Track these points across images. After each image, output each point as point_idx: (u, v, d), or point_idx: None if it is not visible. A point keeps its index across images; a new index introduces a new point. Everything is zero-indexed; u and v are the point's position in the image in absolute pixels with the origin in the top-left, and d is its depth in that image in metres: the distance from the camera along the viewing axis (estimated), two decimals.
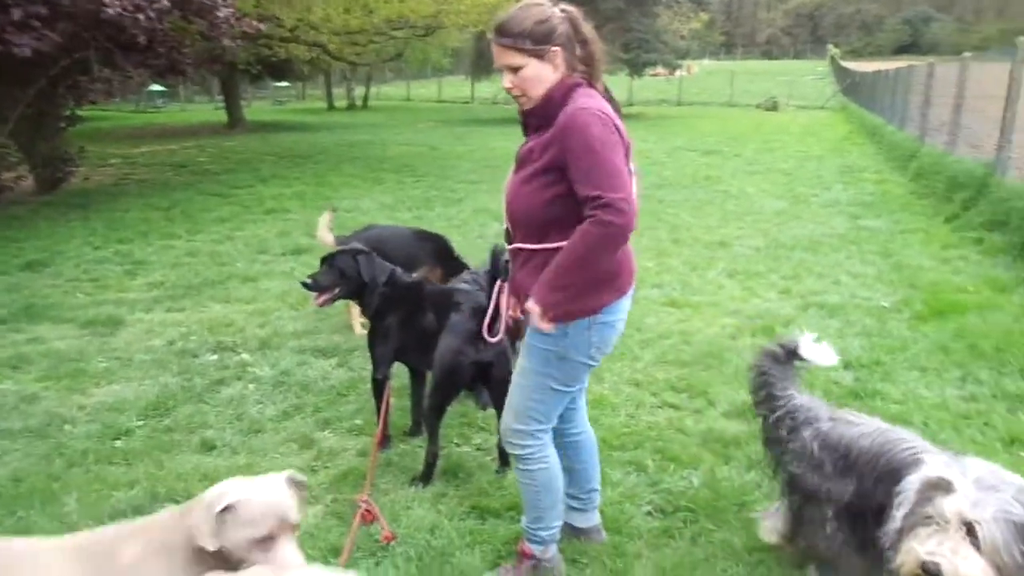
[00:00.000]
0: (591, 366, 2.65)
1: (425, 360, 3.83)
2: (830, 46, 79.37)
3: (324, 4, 14.83)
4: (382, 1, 15.50)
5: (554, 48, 2.42)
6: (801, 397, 2.83)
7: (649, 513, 3.28)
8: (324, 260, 3.99)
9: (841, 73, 43.77)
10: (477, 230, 8.96)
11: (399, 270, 3.98)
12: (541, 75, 2.44)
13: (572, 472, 2.93)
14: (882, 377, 4.55)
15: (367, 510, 2.96)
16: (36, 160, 11.95)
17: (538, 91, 2.46)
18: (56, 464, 3.76)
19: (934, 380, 4.48)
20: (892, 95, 19.90)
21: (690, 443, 3.85)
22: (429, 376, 3.72)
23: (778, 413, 2.80)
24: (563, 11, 2.47)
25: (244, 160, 16.60)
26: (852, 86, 34.39)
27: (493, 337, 2.96)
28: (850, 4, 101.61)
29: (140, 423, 4.27)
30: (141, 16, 8.99)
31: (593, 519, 3.06)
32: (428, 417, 3.61)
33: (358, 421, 4.24)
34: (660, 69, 32.58)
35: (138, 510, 3.37)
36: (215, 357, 5.27)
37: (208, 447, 3.99)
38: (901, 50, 78.68)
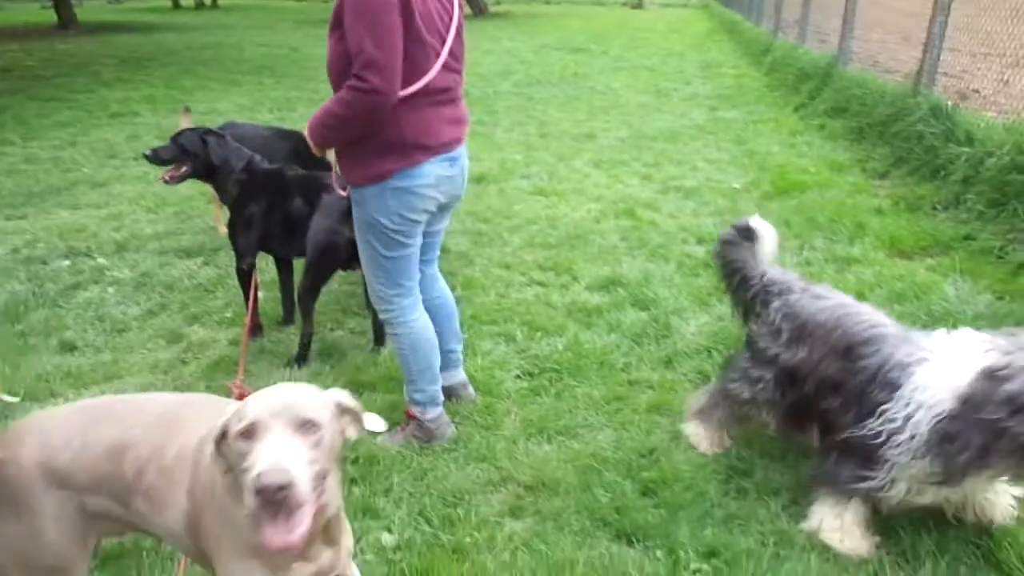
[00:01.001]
0: (403, 231, 2.72)
1: (292, 248, 3.82)
2: None
3: None
4: None
5: None
6: (774, 271, 2.83)
7: (518, 376, 3.47)
8: (172, 138, 3.90)
9: None
10: None
11: (257, 157, 3.89)
12: None
13: (436, 334, 3.05)
14: None
15: (240, 394, 2.99)
16: None
17: None
18: None
19: (777, 250, 4.85)
20: None
21: (556, 315, 4.06)
22: (302, 260, 3.72)
23: (753, 291, 2.80)
24: None
25: (81, 64, 15.25)
26: None
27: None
28: None
29: None
30: None
31: (456, 376, 3.24)
32: (302, 298, 3.63)
33: (227, 314, 4.20)
34: None
35: None
36: (67, 263, 5.01)
37: (69, 347, 3.86)
38: None
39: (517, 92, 11.46)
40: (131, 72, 13.92)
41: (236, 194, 3.81)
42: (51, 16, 26.57)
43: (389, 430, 3.03)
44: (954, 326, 3.58)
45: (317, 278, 3.60)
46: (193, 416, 1.81)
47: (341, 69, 2.48)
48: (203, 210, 5.96)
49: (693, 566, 2.31)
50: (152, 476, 1.74)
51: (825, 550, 2.35)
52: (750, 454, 2.82)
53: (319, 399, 1.59)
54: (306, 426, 1.50)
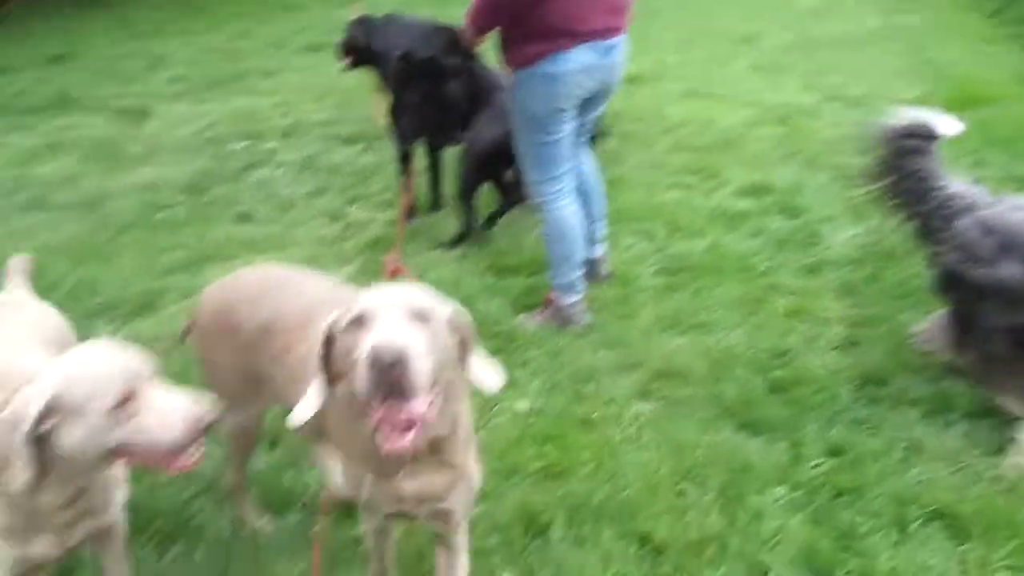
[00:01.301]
0: (550, 117, 2.82)
1: (445, 137, 3.98)
2: None
3: None
4: None
5: None
6: (956, 184, 2.53)
7: (655, 273, 3.53)
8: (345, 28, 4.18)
9: None
10: None
11: (418, 46, 4.02)
12: None
13: None
14: None
15: (395, 268, 3.22)
16: None
17: None
18: (108, 231, 4.07)
19: (946, 164, 4.55)
20: None
21: (699, 217, 4.04)
22: (462, 152, 3.87)
23: (932, 205, 2.49)
24: None
25: None
26: None
27: None
28: None
29: (180, 199, 4.52)
30: None
31: (598, 250, 3.38)
32: (462, 195, 3.79)
33: (384, 197, 4.46)
34: None
35: (186, 268, 3.71)
36: (243, 144, 5.43)
37: (245, 220, 4.26)
38: None
39: None
40: None
41: (395, 81, 3.99)
42: None
43: (528, 313, 3.21)
44: None
45: (478, 178, 3.75)
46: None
47: None
48: (364, 100, 6.23)
49: (815, 461, 2.35)
50: (293, 358, 1.73)
51: (957, 462, 2.33)
52: (889, 364, 2.78)
53: (435, 300, 1.46)
54: (420, 316, 1.37)
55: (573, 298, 3.09)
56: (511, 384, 2.72)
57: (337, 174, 4.86)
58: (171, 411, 1.42)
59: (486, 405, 2.56)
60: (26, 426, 1.35)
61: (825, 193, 4.24)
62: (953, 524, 2.11)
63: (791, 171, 4.55)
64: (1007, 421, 2.42)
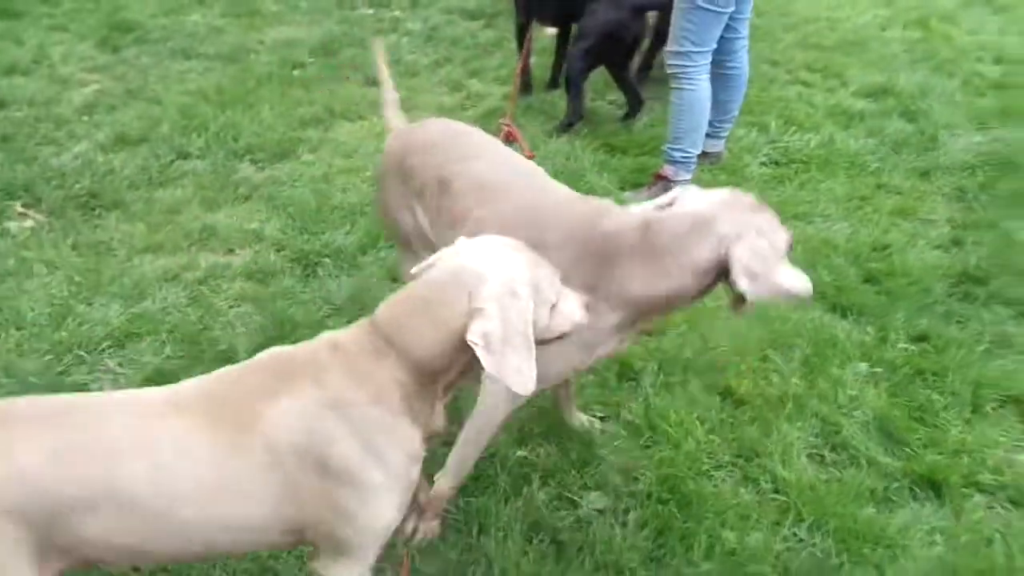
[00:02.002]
0: None
1: (558, 17, 4.03)
2: None
3: None
4: None
5: None
6: None
7: (764, 164, 3.60)
8: None
9: None
10: None
11: None
12: None
13: (716, 103, 3.25)
14: None
15: (509, 131, 3.38)
16: None
17: None
18: (248, 82, 4.35)
19: None
20: None
21: (815, 113, 4.03)
22: (574, 32, 3.96)
23: None
24: None
25: None
26: None
27: None
28: None
29: (312, 59, 4.77)
30: None
31: (719, 146, 3.50)
32: (571, 79, 3.89)
33: (503, 72, 4.59)
34: None
35: (319, 123, 3.99)
36: (372, 11, 5.60)
37: (371, 82, 4.46)
38: None
39: None
40: None
41: None
42: None
43: (635, 190, 3.36)
44: None
45: (589, 64, 3.83)
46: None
47: None
48: None
49: (901, 345, 2.49)
50: (473, 221, 1.75)
51: None
52: (990, 266, 2.83)
53: None
54: None
55: (684, 176, 3.22)
56: None
57: (458, 46, 5.00)
58: (571, 308, 1.38)
59: None
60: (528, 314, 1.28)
61: (950, 100, 4.15)
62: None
63: (918, 76, 4.44)
64: None
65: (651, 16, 3.92)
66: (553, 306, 1.35)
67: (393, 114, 2.26)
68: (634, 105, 4.00)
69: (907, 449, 2.13)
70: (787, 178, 3.45)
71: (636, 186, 3.40)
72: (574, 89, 3.90)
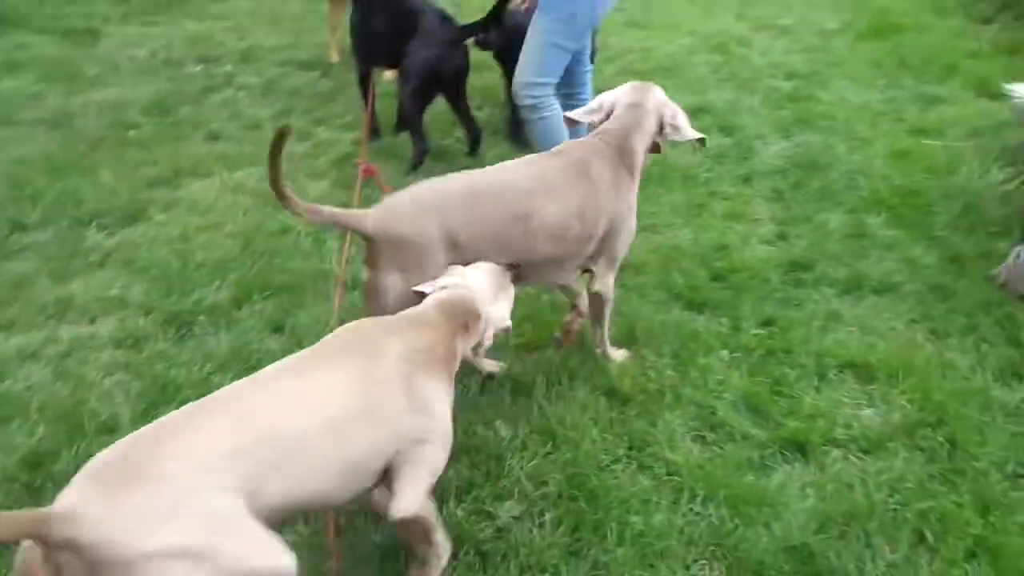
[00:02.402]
0: (590, 28, 3.31)
1: (395, 60, 4.16)
2: None
3: None
4: None
5: None
6: None
7: None
8: None
9: None
10: None
11: None
12: None
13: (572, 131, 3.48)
14: (817, 85, 5.05)
15: (367, 168, 3.46)
16: None
17: None
18: (79, 147, 4.19)
19: (862, 87, 5.01)
20: None
21: None
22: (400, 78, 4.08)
23: None
24: None
25: None
26: None
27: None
28: None
29: (145, 119, 4.63)
30: None
31: None
32: (408, 122, 4.03)
33: (347, 119, 4.66)
34: None
35: (167, 182, 3.89)
36: (200, 67, 5.51)
37: (214, 137, 4.42)
38: None
39: None
40: None
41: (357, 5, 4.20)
42: None
43: None
44: None
45: (420, 104, 3.98)
46: None
47: None
48: (317, 27, 6.32)
49: (752, 331, 2.78)
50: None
51: (868, 328, 2.79)
52: (811, 254, 3.22)
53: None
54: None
55: None
56: None
57: (299, 97, 5.02)
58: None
59: None
60: None
61: (756, 113, 4.65)
62: (863, 372, 2.57)
63: (726, 94, 4.94)
64: (907, 294, 2.93)
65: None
66: None
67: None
68: (473, 138, 4.20)
69: (772, 420, 2.40)
70: None
71: None
72: (414, 129, 4.04)
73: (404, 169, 4.01)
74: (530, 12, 3.85)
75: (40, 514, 1.25)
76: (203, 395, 1.95)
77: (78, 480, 1.29)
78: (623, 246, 2.49)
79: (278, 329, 2.80)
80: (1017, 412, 2.42)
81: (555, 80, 3.36)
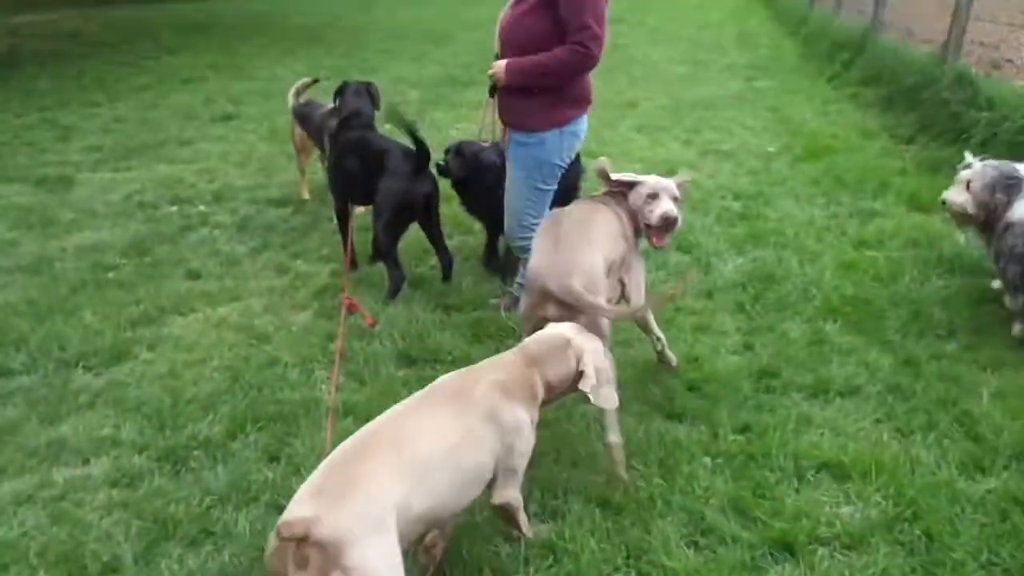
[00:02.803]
0: (562, 168, 3.53)
1: (369, 196, 4.40)
2: None
3: None
4: None
5: None
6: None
7: None
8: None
9: None
10: (398, 97, 9.27)
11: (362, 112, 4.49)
12: None
13: None
14: (764, 203, 5.44)
15: (350, 303, 3.61)
16: None
17: None
18: (60, 290, 4.26)
19: (805, 205, 5.40)
20: None
21: None
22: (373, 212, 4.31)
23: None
24: None
25: (141, 31, 15.98)
26: None
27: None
28: None
29: (124, 261, 4.75)
30: None
31: None
32: (383, 252, 4.24)
33: (323, 252, 4.85)
34: None
35: (151, 321, 3.97)
36: (175, 208, 5.70)
37: (195, 275, 4.54)
38: None
39: None
40: (190, 39, 14.63)
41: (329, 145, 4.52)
42: None
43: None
44: (962, 268, 4.17)
45: (394, 236, 4.21)
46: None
47: (542, 40, 3.20)
48: (284, 167, 6.61)
49: (731, 437, 2.92)
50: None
51: (838, 429, 2.95)
52: (777, 362, 3.42)
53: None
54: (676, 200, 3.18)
55: None
56: None
57: (274, 232, 5.21)
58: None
59: None
60: None
61: (711, 232, 4.97)
62: (837, 471, 2.71)
63: (681, 214, 5.25)
64: (869, 395, 3.12)
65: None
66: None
67: None
68: (445, 265, 4.40)
69: (759, 522, 2.51)
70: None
71: (478, 338, 3.73)
72: (389, 261, 4.24)
73: (381, 297, 4.17)
74: (496, 146, 4.18)
75: (304, 520, 1.72)
76: (204, 529, 2.47)
77: (306, 495, 1.80)
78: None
79: (274, 459, 2.85)
80: (983, 503, 2.56)
81: (541, 218, 3.54)
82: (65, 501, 2.66)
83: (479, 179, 4.25)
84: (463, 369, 2.35)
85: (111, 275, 4.54)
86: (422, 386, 2.29)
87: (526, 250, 3.57)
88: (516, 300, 3.73)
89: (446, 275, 4.41)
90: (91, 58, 12.44)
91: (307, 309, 4.12)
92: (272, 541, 1.78)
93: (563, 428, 3.02)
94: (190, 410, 3.15)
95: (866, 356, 3.45)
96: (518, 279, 3.96)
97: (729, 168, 6.37)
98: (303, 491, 1.84)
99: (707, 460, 2.80)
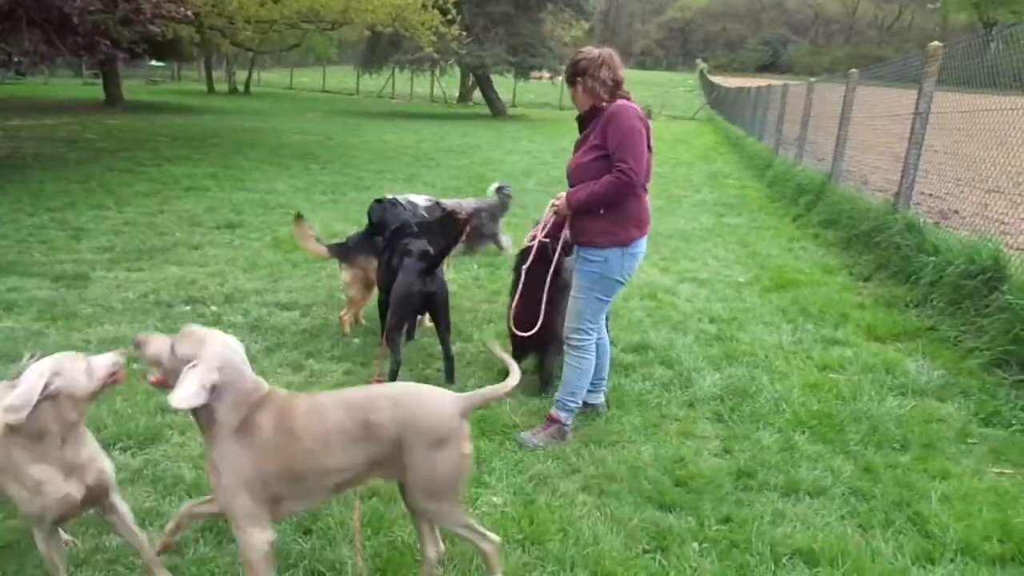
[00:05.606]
0: (622, 284, 4.03)
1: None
2: (699, 60, 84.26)
3: None
4: None
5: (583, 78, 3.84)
6: None
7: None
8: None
9: (708, 86, 47.16)
10: None
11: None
12: (578, 95, 3.91)
13: (595, 367, 4.20)
14: (737, 328, 5.98)
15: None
16: None
17: (583, 105, 3.93)
18: None
19: (774, 330, 5.95)
20: (752, 111, 22.28)
21: None
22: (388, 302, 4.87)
23: None
24: (599, 53, 3.83)
25: (137, 140, 16.72)
26: (718, 99, 37.43)
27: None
28: (717, 22, 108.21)
29: None
30: None
31: (600, 398, 4.41)
32: (389, 336, 4.69)
33: (335, 352, 5.22)
34: (544, 73, 34.15)
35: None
36: (188, 308, 6.07)
37: None
38: (763, 68, 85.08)
39: (540, 191, 12.60)
40: (187, 150, 15.34)
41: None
42: (93, 92, 28.50)
43: (530, 430, 4.08)
44: (914, 391, 4.66)
45: (399, 319, 4.72)
46: None
47: (595, 174, 3.78)
48: (290, 273, 7.06)
49: (715, 527, 3.29)
50: None
51: (808, 523, 3.34)
52: (753, 465, 3.83)
53: None
54: None
55: (571, 419, 4.10)
56: (483, 485, 3.54)
57: (285, 333, 5.58)
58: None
59: (470, 500, 3.34)
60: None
61: (691, 350, 5.45)
62: (809, 558, 3.09)
63: (663, 334, 5.77)
64: (834, 496, 3.52)
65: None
66: None
67: None
68: (448, 366, 4.80)
69: None
70: (596, 416, 4.35)
71: (495, 433, 4.09)
72: (389, 344, 4.67)
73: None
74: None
75: None
76: None
77: None
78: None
79: (307, 532, 3.14)
80: None
81: (597, 325, 4.07)
82: (118, 564, 2.92)
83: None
84: None
85: (135, 366, 4.83)
86: None
87: (576, 350, 4.05)
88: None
89: (448, 376, 4.80)
90: (93, 163, 13.01)
91: None
92: None
93: (561, 514, 3.36)
94: None
95: (831, 463, 3.87)
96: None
97: (705, 294, 6.95)
98: None
99: (695, 545, 3.16)
